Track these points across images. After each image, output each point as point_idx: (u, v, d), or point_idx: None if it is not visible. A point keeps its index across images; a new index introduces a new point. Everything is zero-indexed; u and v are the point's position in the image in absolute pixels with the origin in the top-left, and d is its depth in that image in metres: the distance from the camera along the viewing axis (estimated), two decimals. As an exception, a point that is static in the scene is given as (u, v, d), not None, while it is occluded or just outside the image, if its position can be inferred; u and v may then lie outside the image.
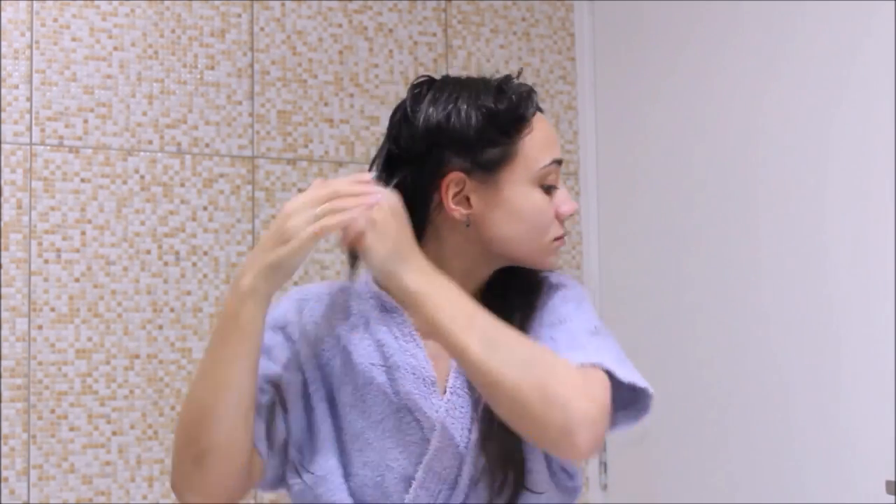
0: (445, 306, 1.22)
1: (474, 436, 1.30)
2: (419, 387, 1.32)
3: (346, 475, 1.31)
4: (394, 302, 1.36)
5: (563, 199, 1.36)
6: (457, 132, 1.32)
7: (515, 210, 1.33)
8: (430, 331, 1.25)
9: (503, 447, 1.29)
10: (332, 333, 1.36)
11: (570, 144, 2.75)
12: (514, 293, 1.39)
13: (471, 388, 1.32)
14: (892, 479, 1.91)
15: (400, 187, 1.32)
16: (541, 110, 1.39)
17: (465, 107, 1.32)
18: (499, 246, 1.35)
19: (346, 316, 1.37)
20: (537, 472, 1.32)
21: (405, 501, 1.29)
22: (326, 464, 1.31)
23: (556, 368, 1.20)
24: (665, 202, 2.52)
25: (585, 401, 1.18)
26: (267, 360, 1.34)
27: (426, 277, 1.24)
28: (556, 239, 1.36)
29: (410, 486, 1.29)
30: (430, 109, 1.33)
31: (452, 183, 1.32)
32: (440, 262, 1.34)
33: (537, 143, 1.35)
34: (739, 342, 2.29)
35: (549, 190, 1.35)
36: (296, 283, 2.46)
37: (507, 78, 1.38)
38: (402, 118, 1.36)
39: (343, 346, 1.35)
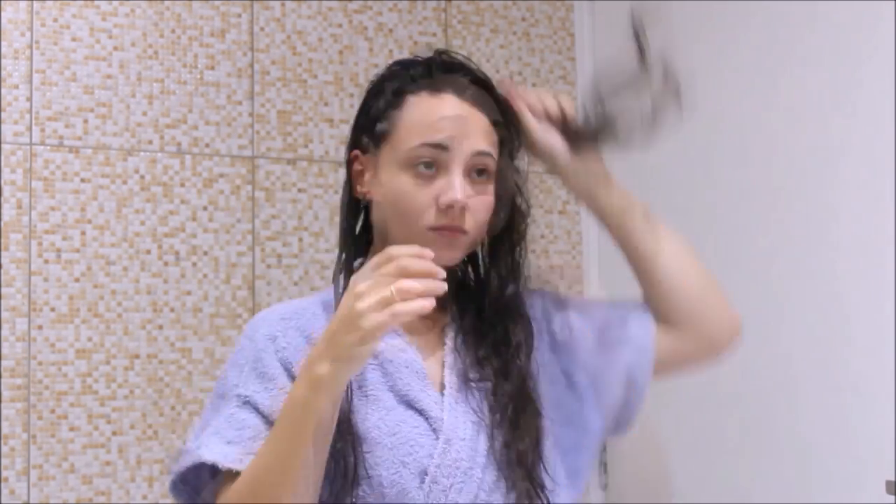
0: None
1: (484, 433, 1.29)
2: (414, 380, 1.31)
3: (359, 479, 1.27)
4: None
5: (445, 187, 1.27)
6: (361, 109, 1.34)
7: (384, 192, 1.29)
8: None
9: (523, 447, 1.29)
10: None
11: (570, 144, 2.75)
12: (492, 292, 1.36)
13: (466, 386, 1.31)
14: (892, 479, 1.91)
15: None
16: (472, 93, 1.31)
17: (374, 81, 1.35)
18: (381, 231, 1.32)
19: (328, 325, 1.35)
20: (555, 467, 1.32)
21: (421, 497, 1.26)
22: (335, 484, 1.28)
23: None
24: (665, 202, 2.52)
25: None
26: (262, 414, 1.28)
27: None
28: (435, 229, 1.27)
29: (425, 479, 1.26)
30: (364, 94, 1.38)
31: (356, 161, 1.33)
32: (374, 247, 1.36)
33: (413, 123, 1.28)
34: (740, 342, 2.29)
35: (425, 175, 1.27)
36: (296, 283, 2.46)
37: (434, 54, 1.35)
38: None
39: None
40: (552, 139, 1.36)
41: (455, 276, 1.38)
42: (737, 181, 2.32)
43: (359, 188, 1.33)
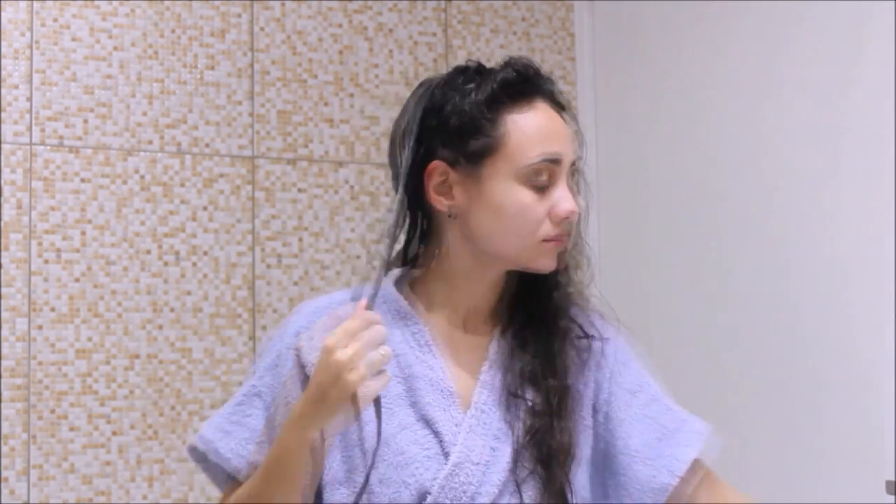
0: None
1: (506, 454, 1.27)
2: (437, 399, 1.28)
3: (356, 493, 1.26)
4: (410, 309, 1.32)
5: (560, 199, 1.28)
6: (441, 121, 1.29)
7: (495, 206, 1.27)
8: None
9: (550, 474, 1.27)
10: None
11: (570, 144, 2.75)
12: (543, 308, 1.34)
13: (499, 405, 1.29)
14: (892, 479, 1.91)
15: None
16: (556, 101, 1.32)
17: (455, 95, 1.29)
18: (482, 243, 1.29)
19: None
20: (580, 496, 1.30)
21: None
22: (336, 494, 1.28)
23: None
24: (665, 202, 2.52)
25: None
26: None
27: None
28: (549, 240, 1.28)
29: (425, 500, 1.24)
30: (421, 96, 1.31)
31: (435, 172, 1.29)
32: (442, 261, 1.33)
33: (527, 137, 1.27)
34: (740, 342, 2.29)
35: (541, 188, 1.28)
36: (295, 284, 2.46)
37: (506, 64, 1.32)
38: (407, 108, 1.33)
39: None
40: None
41: (502, 288, 1.37)
42: (736, 181, 2.32)
43: (443, 201, 1.30)
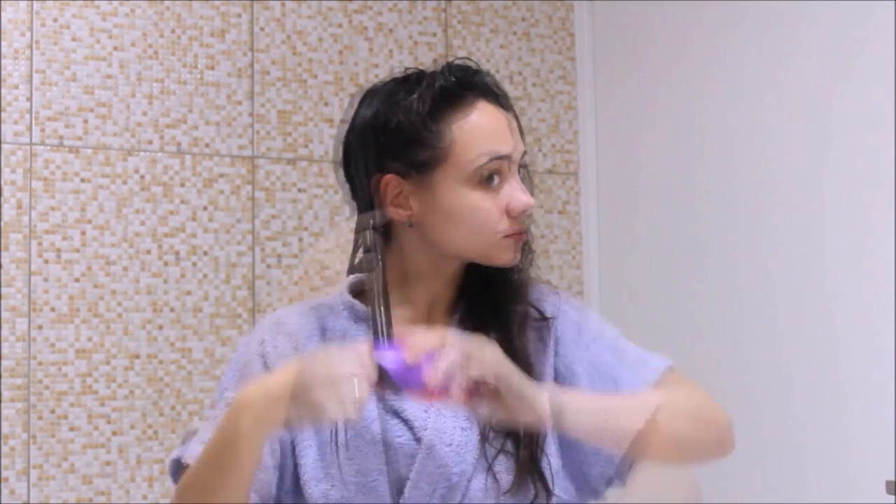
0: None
1: (472, 436, 1.29)
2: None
3: (336, 486, 1.28)
4: (366, 309, 1.33)
5: (513, 194, 1.30)
6: (388, 135, 1.30)
7: (451, 212, 1.29)
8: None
9: (529, 461, 1.28)
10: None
11: (570, 144, 2.75)
12: (498, 295, 1.36)
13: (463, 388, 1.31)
14: (892, 479, 1.91)
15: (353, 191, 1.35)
16: (497, 95, 1.33)
17: (398, 110, 1.30)
18: (443, 247, 1.32)
19: (322, 334, 1.34)
20: (562, 480, 1.32)
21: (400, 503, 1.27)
22: (316, 490, 1.29)
23: (693, 408, 1.33)
24: (665, 202, 2.52)
25: (719, 411, 1.36)
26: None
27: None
28: (509, 236, 1.30)
29: (404, 487, 1.28)
30: (366, 111, 1.33)
31: (390, 186, 1.31)
32: (400, 264, 1.35)
33: (472, 141, 1.29)
34: (739, 342, 2.29)
35: (492, 187, 1.29)
36: (296, 284, 2.46)
37: (443, 70, 1.33)
38: (348, 124, 1.35)
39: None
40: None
41: (459, 280, 1.39)
42: (736, 181, 2.32)
43: (400, 211, 1.32)
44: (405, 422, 1.30)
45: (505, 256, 1.32)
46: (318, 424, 1.21)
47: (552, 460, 1.32)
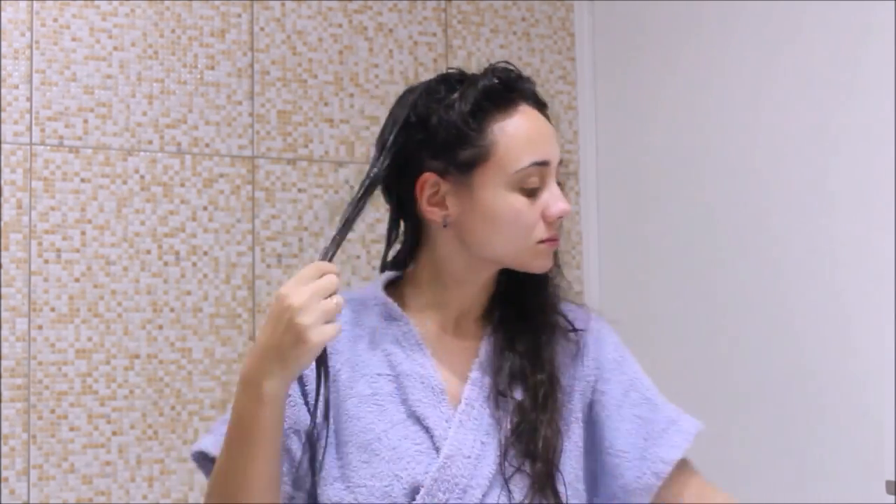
0: None
1: (493, 450, 1.29)
2: (427, 395, 1.30)
3: (350, 488, 1.27)
4: (399, 310, 1.35)
5: (551, 200, 1.30)
6: (428, 133, 1.30)
7: (490, 213, 1.29)
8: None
9: (545, 477, 1.28)
10: (335, 347, 1.33)
11: (570, 144, 2.75)
12: (530, 305, 1.36)
13: (487, 402, 1.31)
14: (892, 479, 1.91)
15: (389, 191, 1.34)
16: (540, 102, 1.34)
17: (439, 107, 1.30)
18: (478, 249, 1.32)
19: (352, 328, 1.35)
20: (576, 493, 1.32)
21: None
22: (331, 490, 1.28)
23: None
24: (665, 202, 2.52)
25: None
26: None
27: None
28: (544, 241, 1.31)
29: (417, 494, 1.26)
30: (403, 110, 1.33)
31: (427, 184, 1.31)
32: (434, 265, 1.35)
33: (515, 143, 1.29)
34: (740, 342, 2.29)
35: (532, 192, 1.30)
36: (296, 283, 2.46)
37: (486, 72, 1.34)
38: (391, 120, 1.34)
39: (348, 358, 1.33)
40: None
41: (491, 288, 1.39)
42: (736, 181, 2.32)
43: (436, 210, 1.32)
44: (426, 430, 1.29)
45: (539, 263, 1.32)
46: (312, 356, 1.19)
47: (566, 476, 1.31)
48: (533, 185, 1.30)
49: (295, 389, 1.31)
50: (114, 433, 2.30)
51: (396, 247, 1.41)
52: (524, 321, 1.36)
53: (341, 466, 1.28)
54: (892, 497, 1.90)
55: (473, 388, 1.32)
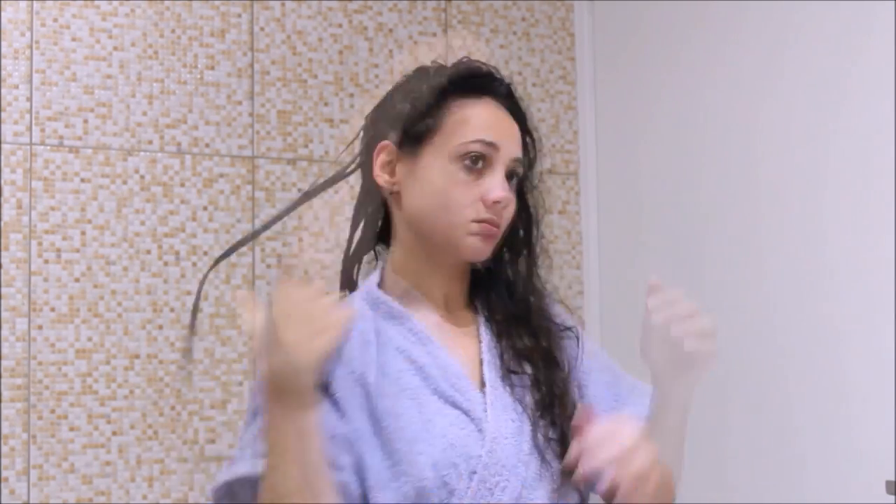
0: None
1: (526, 429, 1.31)
2: (455, 382, 1.32)
3: (409, 483, 1.26)
4: (401, 308, 1.36)
5: (492, 185, 1.32)
6: (391, 106, 1.39)
7: (427, 182, 1.33)
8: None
9: (567, 439, 1.31)
10: (352, 354, 1.33)
11: (570, 144, 2.75)
12: (520, 309, 1.40)
13: (503, 382, 1.33)
14: (892, 479, 1.91)
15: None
16: (512, 103, 1.38)
17: (405, 83, 1.40)
18: (415, 223, 1.35)
19: (364, 326, 1.35)
20: None
21: (468, 496, 1.26)
22: (388, 492, 1.27)
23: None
24: (665, 202, 2.52)
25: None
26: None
27: None
28: (477, 221, 1.32)
29: (473, 479, 1.27)
30: (385, 95, 1.42)
31: (384, 152, 1.37)
32: (399, 252, 1.39)
33: (466, 121, 1.34)
34: (740, 342, 2.29)
35: (475, 171, 1.32)
36: (296, 283, 2.46)
37: (460, 62, 1.41)
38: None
39: (367, 361, 1.32)
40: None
41: (481, 276, 1.42)
42: (736, 181, 2.32)
43: (385, 178, 1.37)
44: (466, 413, 1.30)
45: (471, 245, 1.33)
46: (318, 360, 1.23)
47: None
48: (476, 165, 1.33)
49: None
50: (114, 433, 2.30)
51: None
52: (519, 318, 1.39)
53: (392, 465, 1.27)
54: (892, 497, 1.90)
55: (490, 370, 1.34)
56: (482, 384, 1.33)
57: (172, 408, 2.34)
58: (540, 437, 1.31)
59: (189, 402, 2.36)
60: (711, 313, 1.36)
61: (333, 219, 2.42)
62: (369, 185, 1.40)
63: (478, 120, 1.34)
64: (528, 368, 1.36)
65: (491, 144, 1.33)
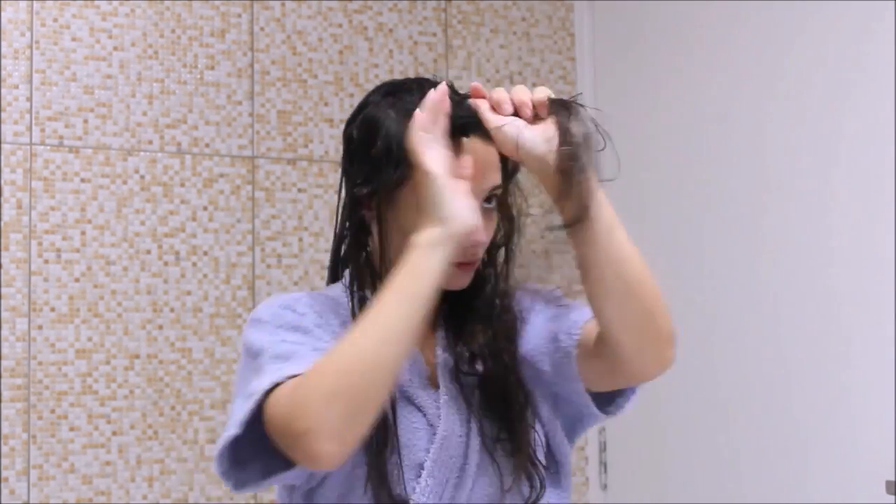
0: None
1: (475, 428, 1.32)
2: (416, 379, 1.33)
3: (357, 472, 1.28)
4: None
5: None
6: (363, 145, 1.32)
7: (405, 224, 1.29)
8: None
9: (514, 440, 1.31)
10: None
11: (570, 144, 2.75)
12: (483, 307, 1.39)
13: (454, 382, 1.33)
14: (892, 479, 1.91)
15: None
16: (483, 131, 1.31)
17: (387, 121, 1.30)
18: (395, 252, 1.30)
19: (336, 319, 1.34)
20: (548, 458, 1.36)
21: (418, 491, 1.29)
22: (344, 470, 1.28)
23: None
24: (665, 202, 2.52)
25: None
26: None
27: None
28: (457, 265, 1.29)
29: (421, 473, 1.29)
30: (360, 117, 1.34)
31: (362, 199, 1.34)
32: (379, 256, 1.36)
33: None
34: (741, 342, 2.29)
35: None
36: (296, 283, 2.46)
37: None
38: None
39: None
40: (520, 134, 1.31)
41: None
42: (736, 181, 2.32)
43: (364, 212, 1.35)
44: (419, 409, 1.32)
45: (454, 282, 1.30)
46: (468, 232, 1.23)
47: (540, 436, 1.35)
48: None
49: None
50: (114, 433, 2.30)
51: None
52: (477, 317, 1.38)
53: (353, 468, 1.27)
54: (892, 497, 1.90)
55: (443, 369, 1.35)
56: (436, 384, 1.34)
57: (172, 408, 2.34)
58: (487, 438, 1.31)
59: (189, 402, 2.36)
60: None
61: (333, 219, 2.41)
62: (350, 201, 1.38)
63: (457, 168, 1.28)
64: (480, 368, 1.35)
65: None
